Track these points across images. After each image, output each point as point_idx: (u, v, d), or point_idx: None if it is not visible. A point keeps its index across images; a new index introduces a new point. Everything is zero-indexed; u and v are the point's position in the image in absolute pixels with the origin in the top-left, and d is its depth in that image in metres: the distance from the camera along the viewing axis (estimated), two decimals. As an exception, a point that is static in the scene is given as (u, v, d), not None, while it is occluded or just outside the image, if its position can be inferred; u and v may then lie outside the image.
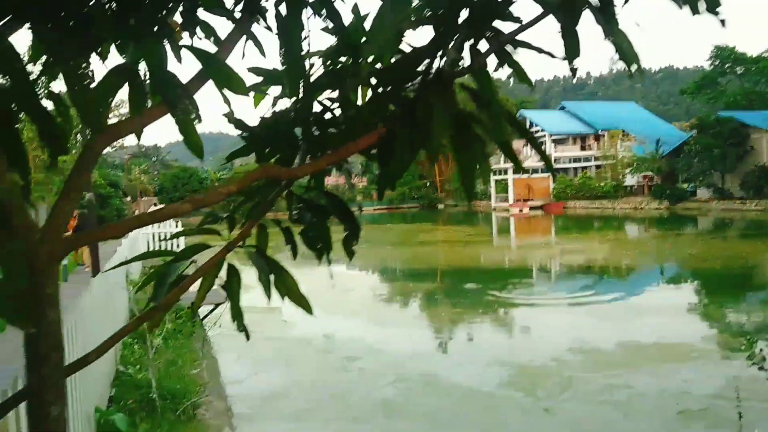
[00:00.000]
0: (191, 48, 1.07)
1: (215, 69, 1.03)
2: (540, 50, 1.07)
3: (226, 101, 1.14)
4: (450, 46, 1.01)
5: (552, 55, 1.06)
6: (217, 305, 11.24)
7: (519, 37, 1.16)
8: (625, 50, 0.95)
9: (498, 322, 12.30)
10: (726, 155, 38.58)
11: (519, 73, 1.16)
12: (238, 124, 1.28)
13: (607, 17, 0.95)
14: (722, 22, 1.03)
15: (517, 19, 1.10)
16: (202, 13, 1.17)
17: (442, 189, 63.23)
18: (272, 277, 1.50)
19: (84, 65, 0.98)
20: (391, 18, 0.81)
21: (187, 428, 5.76)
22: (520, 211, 47.44)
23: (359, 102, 1.64)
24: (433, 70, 1.05)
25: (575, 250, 23.99)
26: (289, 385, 8.37)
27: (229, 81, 1.06)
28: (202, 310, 11.36)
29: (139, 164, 66.99)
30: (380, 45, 0.80)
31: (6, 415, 0.91)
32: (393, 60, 1.07)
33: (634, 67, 0.97)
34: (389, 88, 1.10)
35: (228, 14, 1.19)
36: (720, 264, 18.39)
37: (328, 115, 1.50)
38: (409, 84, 1.12)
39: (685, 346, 9.93)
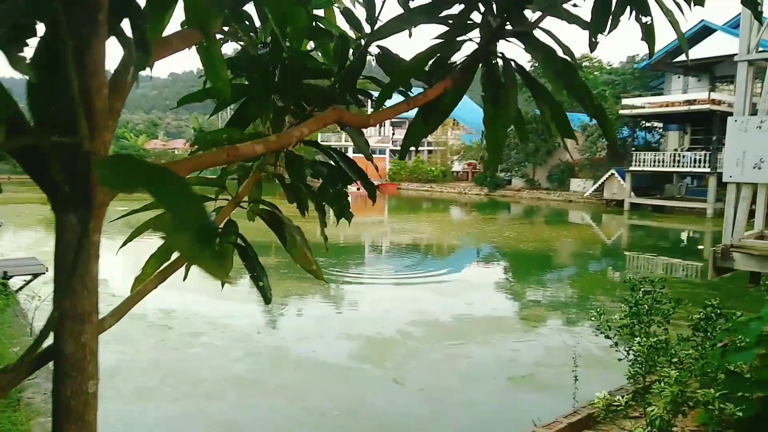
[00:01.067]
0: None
1: (271, -4, 0.86)
2: (571, 19, 1.11)
3: (282, 37, 0.97)
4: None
5: (582, 25, 1.10)
6: (35, 275, 9.93)
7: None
8: (651, 34, 1.03)
9: (341, 297, 12.54)
10: (538, 149, 43.11)
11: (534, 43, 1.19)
12: (250, 60, 1.11)
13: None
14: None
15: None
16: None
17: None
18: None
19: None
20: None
21: (14, 414, 5.05)
22: (358, 189, 48.55)
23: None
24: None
25: (408, 229, 25.25)
26: (128, 363, 7.74)
27: (287, 11, 0.88)
28: (17, 282, 9.97)
29: None
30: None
31: (33, 372, 0.71)
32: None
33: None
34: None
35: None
36: (531, 246, 20.62)
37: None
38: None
39: (510, 319, 11.07)
